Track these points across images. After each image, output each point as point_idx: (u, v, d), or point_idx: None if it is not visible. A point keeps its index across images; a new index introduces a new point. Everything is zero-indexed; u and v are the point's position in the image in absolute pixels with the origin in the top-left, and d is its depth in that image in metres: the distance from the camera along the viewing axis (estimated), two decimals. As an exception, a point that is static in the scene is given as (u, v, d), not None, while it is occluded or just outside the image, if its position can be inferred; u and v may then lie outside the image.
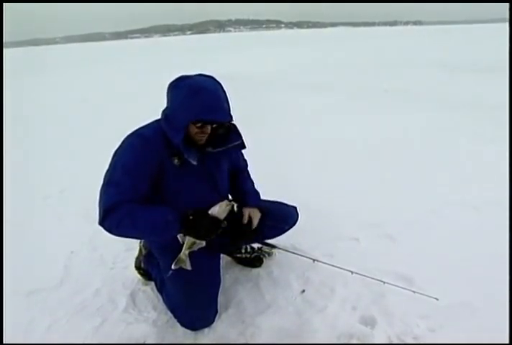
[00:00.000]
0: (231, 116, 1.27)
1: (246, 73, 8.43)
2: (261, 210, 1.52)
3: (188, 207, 1.24)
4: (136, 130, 1.32)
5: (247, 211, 1.49)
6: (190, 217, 1.20)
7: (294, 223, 1.66)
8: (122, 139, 1.31)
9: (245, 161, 1.67)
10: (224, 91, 1.26)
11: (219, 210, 1.25)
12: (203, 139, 1.29)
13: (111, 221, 1.19)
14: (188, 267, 1.29)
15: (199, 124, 1.23)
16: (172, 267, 1.28)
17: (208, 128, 1.25)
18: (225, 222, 1.26)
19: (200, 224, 1.21)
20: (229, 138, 1.36)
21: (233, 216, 1.38)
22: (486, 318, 1.41)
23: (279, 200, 1.78)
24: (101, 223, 1.20)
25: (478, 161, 2.96)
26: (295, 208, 1.68)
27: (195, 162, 1.27)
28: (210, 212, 1.25)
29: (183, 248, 1.27)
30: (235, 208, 1.35)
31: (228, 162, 1.48)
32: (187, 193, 1.35)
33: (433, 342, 1.34)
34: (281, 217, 1.61)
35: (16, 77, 10.54)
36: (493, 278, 1.59)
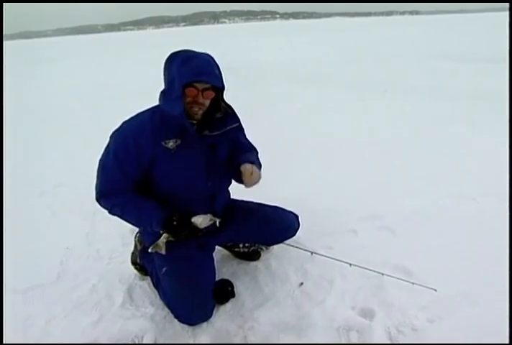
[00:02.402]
0: (224, 84, 1.27)
1: (243, 65, 8.34)
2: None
3: (176, 199, 1.34)
4: (134, 116, 1.33)
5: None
6: (174, 222, 1.27)
7: (294, 234, 1.63)
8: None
9: (251, 144, 1.56)
10: (217, 63, 1.26)
11: (202, 221, 1.31)
12: (198, 112, 1.27)
13: (104, 204, 1.33)
14: (163, 252, 1.35)
15: (192, 90, 1.21)
16: (149, 250, 1.35)
17: (200, 97, 1.23)
18: (204, 230, 1.34)
19: (181, 230, 1.29)
20: (226, 121, 1.35)
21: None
22: (485, 308, 1.42)
23: (277, 194, 1.76)
24: (97, 201, 1.33)
25: (477, 152, 2.96)
26: (296, 217, 1.63)
27: (194, 131, 1.28)
28: (193, 221, 1.30)
29: (162, 237, 1.35)
30: (217, 224, 1.36)
31: (227, 149, 1.42)
32: (178, 180, 1.33)
33: (433, 332, 1.34)
34: (282, 228, 1.59)
35: (10, 71, 10.35)
36: (492, 269, 1.59)
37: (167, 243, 1.34)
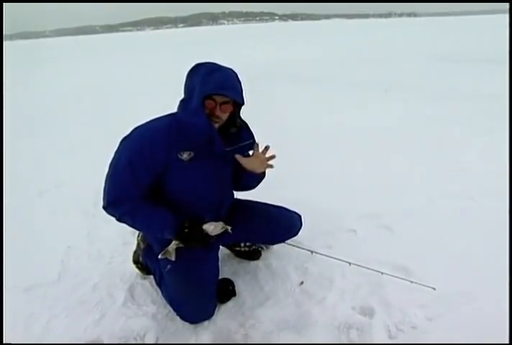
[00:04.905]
0: (243, 99, 1.26)
1: (243, 65, 8.36)
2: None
3: (184, 205, 1.34)
4: (148, 122, 1.30)
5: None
6: (186, 230, 1.28)
7: (297, 234, 1.63)
8: (126, 131, 1.30)
9: None
10: (239, 79, 1.26)
11: (213, 229, 1.31)
12: (215, 124, 1.25)
13: (113, 212, 1.30)
14: (173, 258, 1.34)
15: (210, 103, 1.20)
16: (160, 256, 1.35)
17: (218, 110, 1.22)
18: (215, 237, 1.34)
19: (192, 237, 1.30)
20: (240, 137, 1.33)
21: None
22: (483, 306, 1.43)
23: (277, 194, 1.77)
24: (105, 210, 1.31)
25: (476, 152, 2.97)
26: (299, 216, 1.62)
27: (222, 147, 1.27)
28: (204, 228, 1.30)
29: (172, 243, 1.34)
30: (229, 231, 1.36)
31: (237, 164, 1.39)
32: (188, 190, 1.33)
33: (432, 330, 1.36)
34: (285, 228, 1.59)
35: (9, 72, 10.35)
36: (490, 267, 1.61)
37: (177, 249, 1.34)
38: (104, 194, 1.29)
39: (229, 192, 1.53)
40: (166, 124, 1.26)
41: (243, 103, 1.28)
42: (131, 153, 1.24)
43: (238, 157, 1.34)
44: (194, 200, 1.36)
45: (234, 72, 1.25)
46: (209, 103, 1.21)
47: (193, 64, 1.26)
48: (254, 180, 1.46)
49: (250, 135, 1.36)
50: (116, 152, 1.28)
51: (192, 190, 1.33)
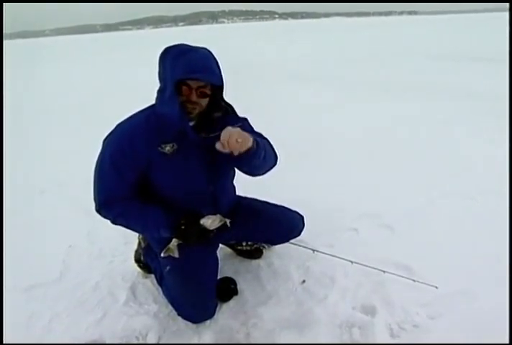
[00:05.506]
0: (222, 81, 1.17)
1: (242, 64, 8.35)
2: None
3: (178, 201, 1.29)
4: (129, 117, 1.26)
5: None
6: (182, 227, 1.24)
7: (298, 235, 1.61)
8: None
9: (258, 135, 1.31)
10: (215, 58, 1.16)
11: (211, 223, 1.27)
12: (193, 111, 1.17)
13: (106, 214, 1.28)
14: (176, 255, 1.32)
15: (184, 89, 1.12)
16: (162, 254, 1.32)
17: (194, 95, 1.13)
18: (214, 231, 1.30)
19: (190, 233, 1.26)
20: (226, 122, 1.19)
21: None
22: (484, 306, 1.43)
23: (278, 194, 1.76)
24: (98, 213, 1.29)
25: (476, 151, 2.96)
26: (301, 217, 1.59)
27: (196, 136, 1.18)
28: (202, 222, 1.27)
29: (173, 240, 1.32)
30: (228, 224, 1.31)
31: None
32: (177, 184, 1.26)
33: (434, 329, 1.36)
34: (287, 229, 1.57)
35: (9, 71, 10.33)
36: (492, 266, 1.61)
37: (179, 245, 1.31)
38: (94, 197, 1.26)
39: (225, 183, 1.42)
40: (144, 118, 1.21)
41: (222, 85, 1.20)
42: (112, 152, 1.20)
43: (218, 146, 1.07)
44: (185, 195, 1.29)
45: (207, 51, 1.15)
46: (184, 89, 1.12)
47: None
48: (251, 160, 1.15)
49: (236, 119, 1.27)
50: (100, 152, 1.24)
51: (181, 183, 1.26)
